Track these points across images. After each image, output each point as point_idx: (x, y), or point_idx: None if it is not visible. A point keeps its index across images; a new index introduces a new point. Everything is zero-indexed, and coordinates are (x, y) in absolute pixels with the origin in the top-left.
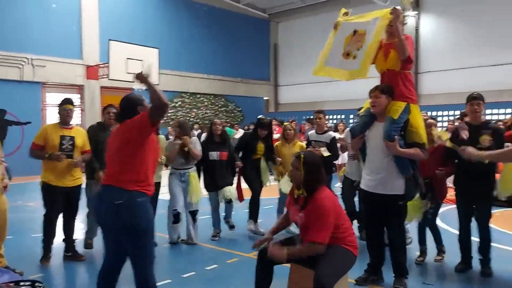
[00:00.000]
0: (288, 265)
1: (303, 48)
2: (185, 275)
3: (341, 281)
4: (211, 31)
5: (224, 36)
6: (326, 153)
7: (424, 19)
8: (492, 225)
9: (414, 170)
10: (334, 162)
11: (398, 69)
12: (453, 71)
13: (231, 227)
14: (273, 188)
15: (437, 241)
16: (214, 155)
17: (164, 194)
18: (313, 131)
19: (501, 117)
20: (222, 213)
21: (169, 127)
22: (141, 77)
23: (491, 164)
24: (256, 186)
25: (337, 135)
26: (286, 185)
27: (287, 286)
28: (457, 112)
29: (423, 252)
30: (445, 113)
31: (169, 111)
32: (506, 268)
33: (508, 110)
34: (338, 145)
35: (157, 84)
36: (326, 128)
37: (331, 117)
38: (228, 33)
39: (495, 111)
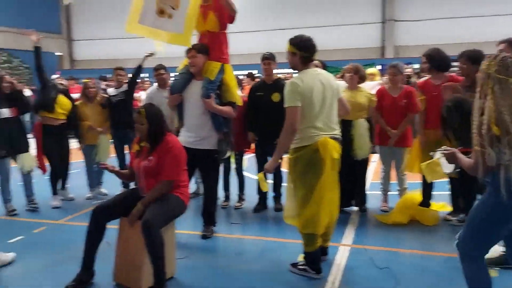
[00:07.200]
0: None
1: (101, 0)
2: None
3: (168, 227)
4: None
5: None
6: None
7: None
8: (282, 168)
9: (228, 128)
10: None
11: (218, 30)
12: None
13: (33, 210)
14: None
15: (240, 188)
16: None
17: None
18: (112, 88)
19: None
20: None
21: None
22: None
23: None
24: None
25: (142, 94)
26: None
27: (116, 238)
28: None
29: (227, 197)
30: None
31: None
32: None
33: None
34: None
35: None
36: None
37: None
38: None
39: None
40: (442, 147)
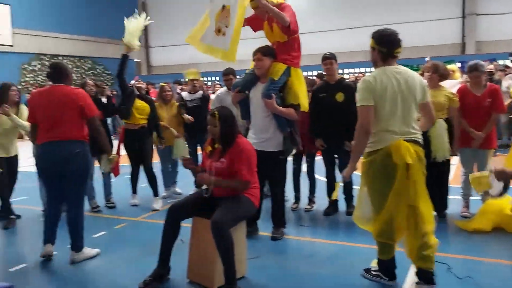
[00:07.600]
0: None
1: (175, 8)
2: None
3: (238, 228)
4: None
5: None
6: None
7: None
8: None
9: (291, 128)
10: None
11: (285, 40)
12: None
13: (110, 207)
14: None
15: (311, 190)
16: None
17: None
18: (185, 93)
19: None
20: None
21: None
22: None
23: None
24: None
25: (212, 96)
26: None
27: (190, 237)
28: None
29: (297, 199)
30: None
31: (28, 76)
32: None
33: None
34: None
35: (11, 45)
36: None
37: (207, 78)
38: None
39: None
40: (492, 166)
